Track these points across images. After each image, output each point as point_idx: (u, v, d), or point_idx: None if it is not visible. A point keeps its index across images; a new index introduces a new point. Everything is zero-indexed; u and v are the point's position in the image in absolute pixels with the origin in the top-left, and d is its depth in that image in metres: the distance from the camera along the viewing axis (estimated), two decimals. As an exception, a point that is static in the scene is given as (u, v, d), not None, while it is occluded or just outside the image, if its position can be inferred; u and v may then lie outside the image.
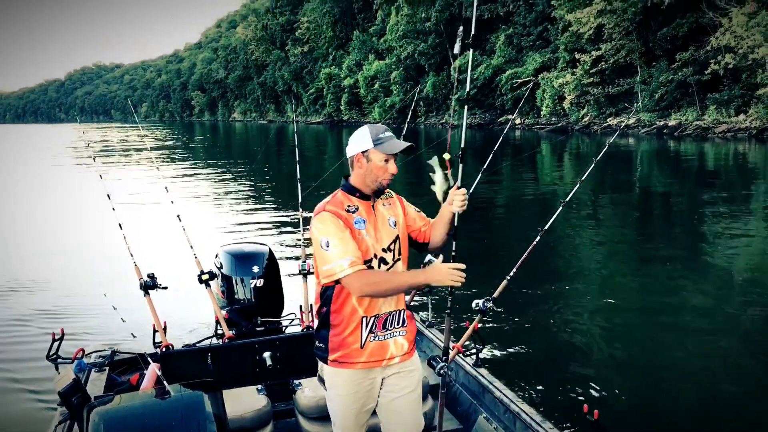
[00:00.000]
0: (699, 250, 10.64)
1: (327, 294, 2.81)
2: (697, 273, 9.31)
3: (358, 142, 2.81)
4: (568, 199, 4.65)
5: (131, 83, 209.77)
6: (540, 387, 5.55)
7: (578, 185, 4.74)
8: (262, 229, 13.12)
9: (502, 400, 3.45)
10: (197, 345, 4.50)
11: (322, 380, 2.94)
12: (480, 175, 5.46)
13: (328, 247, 2.67)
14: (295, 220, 10.29)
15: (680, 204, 15.81)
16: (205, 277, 4.67)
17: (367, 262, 2.77)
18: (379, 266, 2.80)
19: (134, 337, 6.69)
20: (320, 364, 2.92)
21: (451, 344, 3.80)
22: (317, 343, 2.90)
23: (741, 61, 30.37)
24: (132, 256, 4.65)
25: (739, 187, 18.01)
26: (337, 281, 2.72)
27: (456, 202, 2.79)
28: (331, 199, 2.83)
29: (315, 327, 2.94)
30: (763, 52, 28.72)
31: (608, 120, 39.70)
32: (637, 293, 8.36)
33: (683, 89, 35.61)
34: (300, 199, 5.62)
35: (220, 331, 4.67)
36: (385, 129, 2.83)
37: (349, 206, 2.80)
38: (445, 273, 2.69)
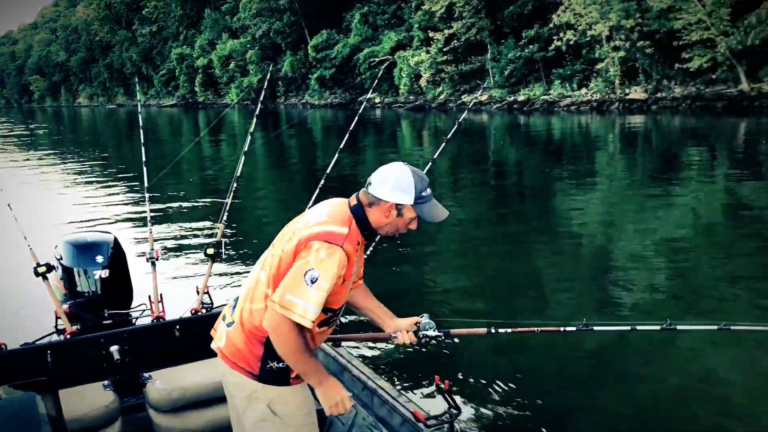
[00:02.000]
0: (551, 218, 11.24)
1: None
2: (549, 239, 9.82)
3: (399, 192, 2.42)
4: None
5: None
6: (397, 363, 5.61)
7: (430, 164, 4.82)
8: (107, 217, 12.42)
9: (360, 377, 3.44)
10: (36, 342, 4.13)
11: (272, 412, 2.50)
12: (337, 154, 5.40)
13: (312, 284, 2.28)
14: (142, 206, 9.81)
15: (532, 176, 16.60)
16: (41, 269, 4.28)
17: (336, 312, 2.53)
18: (341, 315, 2.60)
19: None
20: (268, 393, 2.50)
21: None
22: (272, 364, 2.48)
23: (581, 38, 32.28)
24: (-46, 252, 4.20)
25: (583, 156, 19.21)
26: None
27: (404, 340, 2.75)
28: (350, 229, 2.42)
29: (260, 353, 2.49)
30: (599, 28, 30.65)
31: (462, 97, 40.97)
32: (495, 263, 8.67)
33: (530, 65, 37.35)
34: (146, 184, 5.31)
35: (61, 327, 4.31)
36: (427, 182, 2.47)
37: (359, 242, 2.47)
38: (333, 398, 2.45)
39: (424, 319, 2.79)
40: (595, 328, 2.71)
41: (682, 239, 9.25)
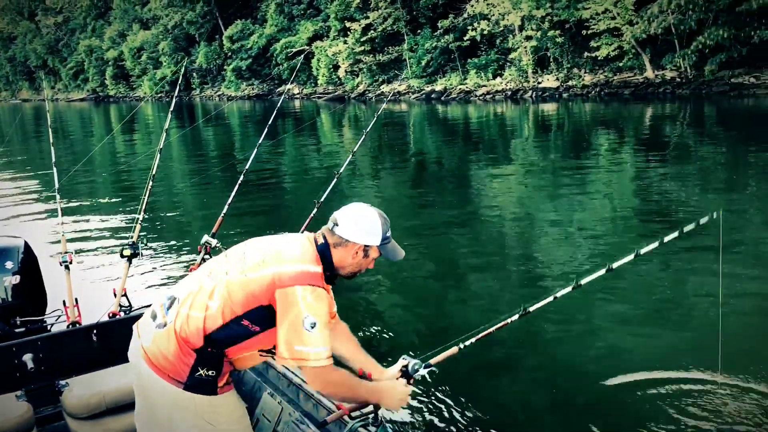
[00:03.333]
0: (471, 206, 11.49)
1: (236, 336, 2.44)
2: (470, 225, 10.05)
3: (368, 234, 2.49)
4: (341, 170, 4.82)
5: None
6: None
7: (351, 156, 4.90)
8: (16, 220, 11.86)
9: (285, 374, 3.45)
10: None
11: (204, 420, 2.50)
12: (256, 149, 5.39)
13: (313, 328, 2.34)
14: (53, 208, 9.46)
15: (451, 165, 16.86)
16: (-55, 278, 4.11)
17: None
18: None
19: None
20: (196, 402, 2.47)
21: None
22: (201, 372, 2.44)
23: (494, 28, 32.95)
24: None
25: (500, 144, 19.67)
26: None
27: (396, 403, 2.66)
28: (322, 267, 2.47)
29: (191, 365, 2.45)
30: (512, 19, 31.37)
31: (381, 87, 41.17)
32: (418, 253, 8.79)
33: (447, 55, 37.86)
34: (57, 184, 5.13)
35: (-32, 338, 4.13)
36: (389, 223, 2.55)
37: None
38: (398, 400, 2.57)
39: (407, 360, 2.80)
40: (531, 308, 2.90)
41: (595, 219, 9.65)
